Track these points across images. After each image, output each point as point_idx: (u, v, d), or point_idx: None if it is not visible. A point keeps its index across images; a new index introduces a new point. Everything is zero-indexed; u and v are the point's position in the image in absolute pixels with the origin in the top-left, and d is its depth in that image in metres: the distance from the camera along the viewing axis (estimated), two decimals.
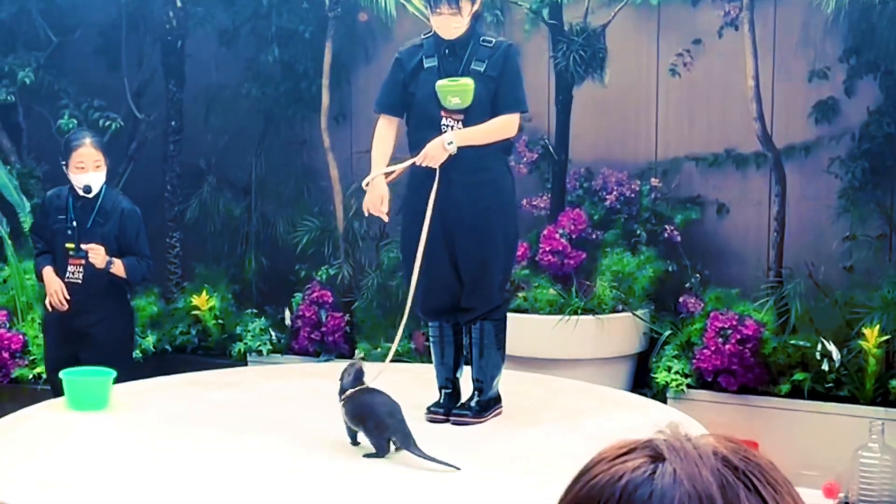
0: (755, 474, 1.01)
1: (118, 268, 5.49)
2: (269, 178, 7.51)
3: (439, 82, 4.63)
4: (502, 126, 4.70)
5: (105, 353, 5.43)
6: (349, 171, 7.24)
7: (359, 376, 4.28)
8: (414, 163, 4.63)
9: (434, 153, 4.57)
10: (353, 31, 7.21)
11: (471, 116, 4.61)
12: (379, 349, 6.65)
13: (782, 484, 1.02)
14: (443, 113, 4.64)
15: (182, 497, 3.91)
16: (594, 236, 6.55)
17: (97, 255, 5.43)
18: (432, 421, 4.69)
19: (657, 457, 1.02)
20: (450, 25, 4.63)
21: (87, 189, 5.51)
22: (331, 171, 7.08)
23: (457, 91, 4.60)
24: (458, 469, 4.03)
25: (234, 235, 7.53)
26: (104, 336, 5.58)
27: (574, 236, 6.47)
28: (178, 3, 7.11)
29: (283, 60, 7.27)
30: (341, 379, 4.30)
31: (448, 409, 4.76)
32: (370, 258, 7.12)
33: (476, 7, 4.69)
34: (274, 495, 3.94)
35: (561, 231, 6.46)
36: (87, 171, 5.48)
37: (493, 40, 4.73)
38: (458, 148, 4.58)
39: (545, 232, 6.51)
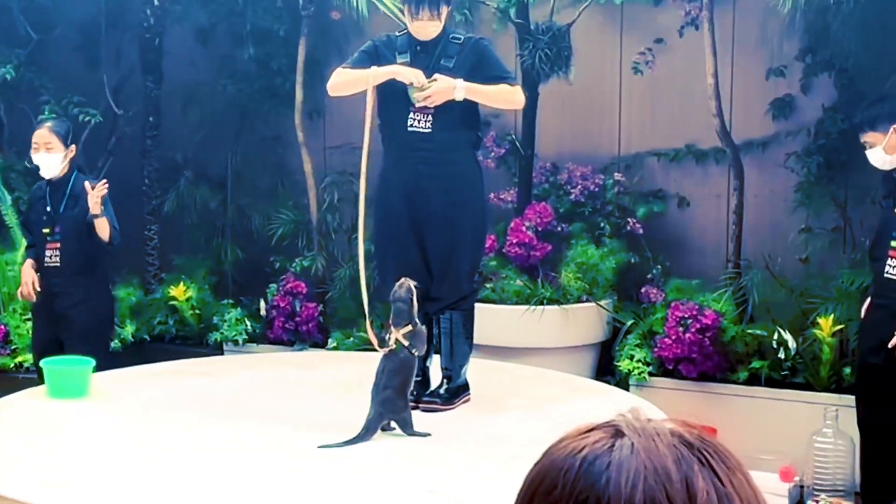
0: (709, 452, 1.03)
1: (103, 225, 5.51)
2: (245, 172, 7.50)
3: None
4: (504, 91, 4.65)
5: (84, 336, 5.51)
6: (323, 166, 7.24)
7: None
8: (418, 89, 4.52)
9: (442, 91, 4.51)
10: (327, 29, 7.20)
11: (437, 112, 4.59)
12: (352, 338, 6.65)
13: (735, 463, 1.04)
14: (411, 108, 4.62)
15: (162, 479, 3.91)
16: (560, 229, 6.56)
17: (98, 198, 5.44)
18: None
19: (617, 433, 1.03)
20: (428, 29, 4.64)
21: (36, 168, 5.66)
22: (304, 166, 7.09)
23: (425, 88, 4.58)
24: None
25: (211, 228, 7.52)
26: (83, 318, 5.62)
27: (540, 229, 6.48)
28: (156, 2, 7.09)
29: (258, 58, 7.25)
30: (398, 300, 4.23)
31: (418, 396, 4.74)
32: (343, 250, 7.12)
33: (449, 7, 4.71)
34: (257, 479, 3.93)
35: (527, 224, 6.47)
36: (39, 151, 5.59)
37: (462, 37, 4.73)
38: (431, 140, 4.60)
39: (512, 224, 6.50)
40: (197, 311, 7.01)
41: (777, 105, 6.41)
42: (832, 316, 5.81)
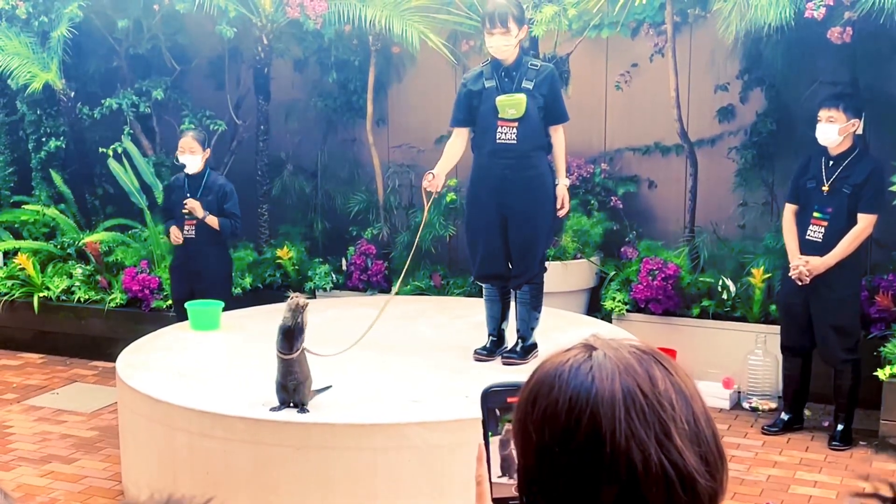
0: (658, 356, 1.06)
1: (213, 220, 5.64)
2: (330, 165, 7.53)
3: (499, 97, 4.31)
4: (563, 140, 4.49)
5: (210, 286, 5.61)
6: (387, 160, 7.27)
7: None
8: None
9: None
10: (389, 60, 7.20)
11: (522, 124, 4.31)
12: (408, 286, 6.69)
13: (677, 364, 1.07)
14: (499, 122, 4.32)
15: (266, 381, 3.98)
16: None
17: (196, 206, 5.60)
18: (479, 360, 4.45)
19: (590, 347, 1.06)
20: (501, 45, 4.26)
21: (182, 165, 5.76)
22: (373, 160, 7.12)
23: (512, 104, 4.32)
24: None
25: (306, 206, 7.56)
26: (209, 274, 5.73)
27: None
28: (265, 41, 7.12)
29: (340, 81, 7.26)
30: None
31: (492, 352, 4.49)
32: (401, 222, 7.15)
33: (522, 36, 4.33)
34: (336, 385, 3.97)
35: None
36: (185, 153, 5.82)
37: (539, 64, 4.41)
38: (515, 149, 4.33)
39: None
40: (296, 267, 7.07)
41: (722, 112, 6.36)
42: (762, 267, 5.79)
